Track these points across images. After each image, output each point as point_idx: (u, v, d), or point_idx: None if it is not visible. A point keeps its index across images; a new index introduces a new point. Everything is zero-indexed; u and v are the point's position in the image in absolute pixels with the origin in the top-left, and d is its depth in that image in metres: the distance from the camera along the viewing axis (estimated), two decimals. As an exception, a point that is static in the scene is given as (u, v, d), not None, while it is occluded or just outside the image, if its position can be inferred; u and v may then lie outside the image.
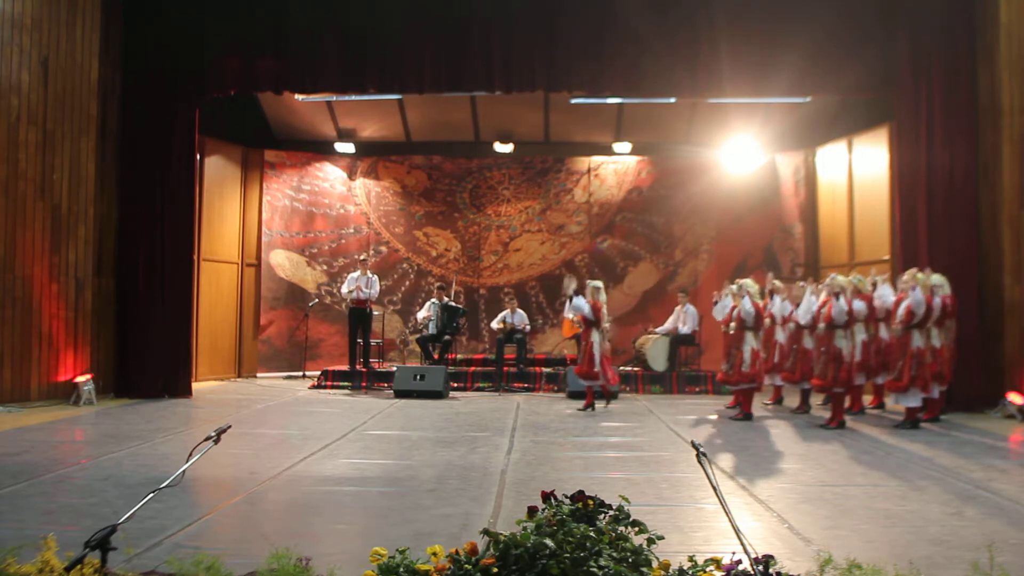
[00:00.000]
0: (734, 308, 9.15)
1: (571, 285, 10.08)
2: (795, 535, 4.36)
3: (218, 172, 12.78)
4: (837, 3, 10.39)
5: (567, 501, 3.25)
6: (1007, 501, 5.20)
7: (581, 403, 9.94)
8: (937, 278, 8.60)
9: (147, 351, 10.37)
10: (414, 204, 14.19)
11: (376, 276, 12.49)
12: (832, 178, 12.85)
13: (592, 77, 10.62)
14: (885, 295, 9.07)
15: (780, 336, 9.92)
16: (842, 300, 8.52)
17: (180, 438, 7.40)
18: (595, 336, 9.81)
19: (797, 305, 9.46)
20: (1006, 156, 9.56)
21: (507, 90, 10.70)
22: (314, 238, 13.90)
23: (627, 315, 13.73)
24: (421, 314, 12.66)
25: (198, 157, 11.23)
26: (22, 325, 9.35)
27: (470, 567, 2.97)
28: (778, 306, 9.90)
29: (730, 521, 3.05)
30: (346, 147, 13.86)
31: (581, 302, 9.77)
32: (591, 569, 2.89)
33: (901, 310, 8.44)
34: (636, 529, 3.18)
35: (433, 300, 12.36)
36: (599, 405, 9.91)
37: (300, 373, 13.23)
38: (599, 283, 10.07)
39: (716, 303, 9.88)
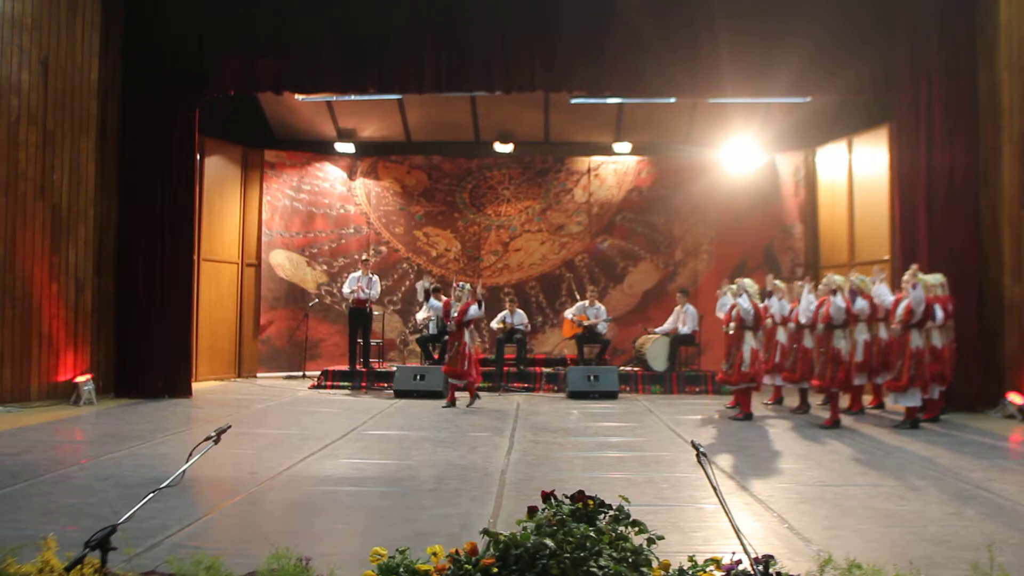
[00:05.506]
0: (733, 307, 9.16)
1: (425, 284, 10.49)
2: (795, 535, 4.36)
3: (218, 172, 12.77)
4: (837, 3, 10.40)
5: (567, 501, 3.25)
6: (1007, 501, 5.20)
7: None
8: (936, 277, 8.60)
9: (147, 351, 10.37)
10: (414, 204, 14.19)
11: (377, 276, 12.49)
12: (832, 178, 12.84)
13: (592, 77, 10.62)
14: (882, 294, 9.07)
15: (781, 336, 9.92)
16: (839, 297, 8.50)
17: (180, 438, 7.40)
18: (466, 337, 9.97)
19: (797, 303, 9.46)
20: (1006, 156, 9.56)
21: (507, 90, 10.70)
22: (314, 238, 13.90)
23: (627, 315, 13.73)
24: (421, 315, 12.63)
25: (198, 157, 11.22)
26: (22, 325, 9.35)
27: (470, 567, 2.97)
28: (777, 306, 9.90)
29: (730, 521, 3.05)
30: (346, 147, 13.86)
31: (438, 304, 10.09)
32: (591, 569, 2.89)
33: (900, 309, 8.44)
34: (636, 529, 3.18)
35: (433, 300, 12.33)
36: (461, 404, 9.94)
37: (300, 373, 13.22)
38: (467, 284, 10.32)
39: (721, 296, 9.91)
